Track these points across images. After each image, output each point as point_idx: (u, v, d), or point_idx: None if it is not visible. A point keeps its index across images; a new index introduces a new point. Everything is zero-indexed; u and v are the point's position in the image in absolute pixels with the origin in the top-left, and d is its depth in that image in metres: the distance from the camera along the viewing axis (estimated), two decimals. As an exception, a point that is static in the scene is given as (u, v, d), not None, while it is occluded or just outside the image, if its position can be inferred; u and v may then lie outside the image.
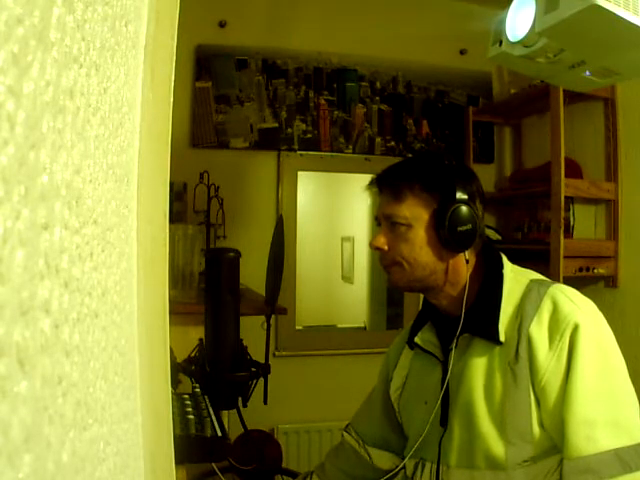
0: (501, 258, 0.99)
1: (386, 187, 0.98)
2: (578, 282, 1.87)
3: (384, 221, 0.98)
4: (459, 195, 0.94)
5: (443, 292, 0.98)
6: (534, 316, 0.88)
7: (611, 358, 0.87)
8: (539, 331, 0.87)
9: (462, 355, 0.95)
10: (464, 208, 0.93)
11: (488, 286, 0.96)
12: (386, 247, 0.96)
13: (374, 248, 0.98)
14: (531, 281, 0.94)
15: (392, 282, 1.00)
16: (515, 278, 0.96)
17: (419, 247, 0.95)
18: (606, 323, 0.90)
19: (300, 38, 2.46)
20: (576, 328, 0.85)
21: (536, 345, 0.86)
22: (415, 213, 0.94)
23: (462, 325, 0.94)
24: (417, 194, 0.95)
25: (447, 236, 0.92)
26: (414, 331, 1.04)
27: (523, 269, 1.00)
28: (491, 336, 0.91)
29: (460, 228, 0.92)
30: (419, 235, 0.94)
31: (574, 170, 2.14)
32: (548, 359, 0.85)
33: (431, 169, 0.99)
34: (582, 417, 0.82)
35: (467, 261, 0.96)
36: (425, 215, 0.94)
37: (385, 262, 0.98)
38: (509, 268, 0.98)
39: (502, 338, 0.90)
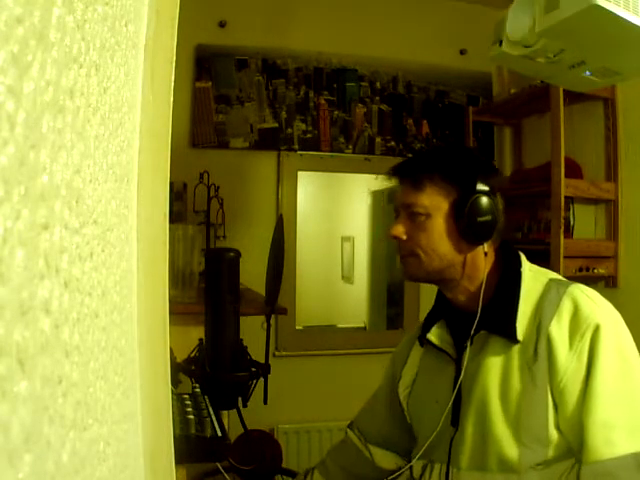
0: (519, 256, 0.98)
1: (406, 176, 0.97)
2: (578, 282, 1.87)
3: (403, 211, 0.97)
4: (480, 187, 0.92)
5: (460, 286, 0.97)
6: (554, 315, 0.87)
7: (631, 360, 0.86)
8: (559, 331, 0.86)
9: (477, 353, 0.93)
10: (484, 199, 0.92)
11: (506, 283, 0.94)
12: (404, 236, 0.95)
13: (392, 237, 0.96)
14: (550, 280, 0.93)
15: (408, 273, 0.98)
16: (534, 277, 0.95)
17: (437, 237, 0.93)
18: (625, 324, 0.89)
19: (300, 38, 2.46)
20: (597, 329, 0.84)
21: (556, 345, 0.85)
22: (434, 202, 0.93)
23: (478, 322, 0.92)
24: (437, 183, 0.94)
25: (466, 227, 0.91)
26: (426, 327, 1.02)
27: (542, 268, 0.98)
28: (508, 334, 0.89)
29: (479, 219, 0.91)
30: (438, 225, 0.93)
31: (574, 170, 2.14)
32: (568, 360, 0.84)
33: (453, 160, 0.98)
34: (601, 420, 0.80)
35: (486, 254, 0.95)
36: (444, 205, 0.93)
37: (403, 252, 0.97)
38: (527, 267, 0.97)
39: (520, 337, 0.88)
